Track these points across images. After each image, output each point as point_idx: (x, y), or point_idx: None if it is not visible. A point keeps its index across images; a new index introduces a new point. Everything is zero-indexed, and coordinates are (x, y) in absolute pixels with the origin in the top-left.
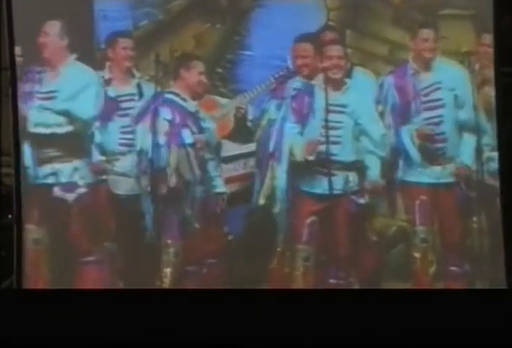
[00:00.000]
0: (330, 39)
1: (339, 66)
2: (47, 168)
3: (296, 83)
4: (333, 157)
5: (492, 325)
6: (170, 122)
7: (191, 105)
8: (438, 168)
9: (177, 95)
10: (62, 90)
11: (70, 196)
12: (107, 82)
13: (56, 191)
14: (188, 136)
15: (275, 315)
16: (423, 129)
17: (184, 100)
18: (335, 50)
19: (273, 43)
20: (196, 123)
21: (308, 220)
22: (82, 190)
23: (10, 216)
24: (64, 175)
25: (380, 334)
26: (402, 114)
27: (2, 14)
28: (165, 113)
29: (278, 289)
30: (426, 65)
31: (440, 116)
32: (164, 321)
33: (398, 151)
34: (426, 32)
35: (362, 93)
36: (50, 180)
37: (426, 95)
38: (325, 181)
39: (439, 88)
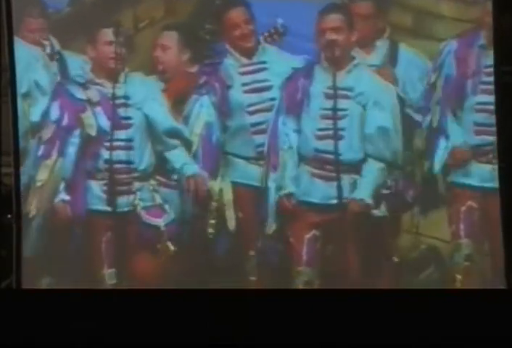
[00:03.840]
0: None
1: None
2: None
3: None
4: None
5: (492, 326)
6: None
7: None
8: (487, 167)
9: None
10: None
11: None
12: None
13: None
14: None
15: (275, 314)
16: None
17: None
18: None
19: (263, 9)
20: None
21: (308, 235)
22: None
23: (10, 216)
24: None
25: (380, 334)
26: (456, 90)
27: (2, 14)
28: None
29: (278, 289)
30: None
31: None
32: (164, 321)
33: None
34: None
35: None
36: None
37: (488, 74)
38: (326, 187)
39: None
